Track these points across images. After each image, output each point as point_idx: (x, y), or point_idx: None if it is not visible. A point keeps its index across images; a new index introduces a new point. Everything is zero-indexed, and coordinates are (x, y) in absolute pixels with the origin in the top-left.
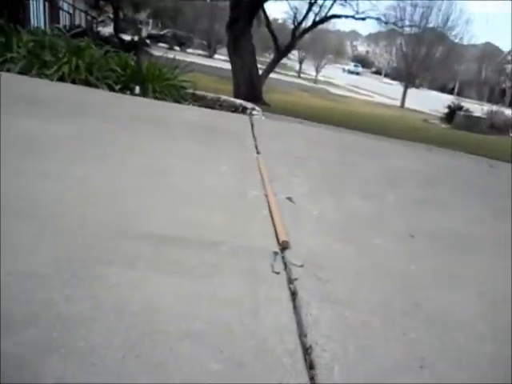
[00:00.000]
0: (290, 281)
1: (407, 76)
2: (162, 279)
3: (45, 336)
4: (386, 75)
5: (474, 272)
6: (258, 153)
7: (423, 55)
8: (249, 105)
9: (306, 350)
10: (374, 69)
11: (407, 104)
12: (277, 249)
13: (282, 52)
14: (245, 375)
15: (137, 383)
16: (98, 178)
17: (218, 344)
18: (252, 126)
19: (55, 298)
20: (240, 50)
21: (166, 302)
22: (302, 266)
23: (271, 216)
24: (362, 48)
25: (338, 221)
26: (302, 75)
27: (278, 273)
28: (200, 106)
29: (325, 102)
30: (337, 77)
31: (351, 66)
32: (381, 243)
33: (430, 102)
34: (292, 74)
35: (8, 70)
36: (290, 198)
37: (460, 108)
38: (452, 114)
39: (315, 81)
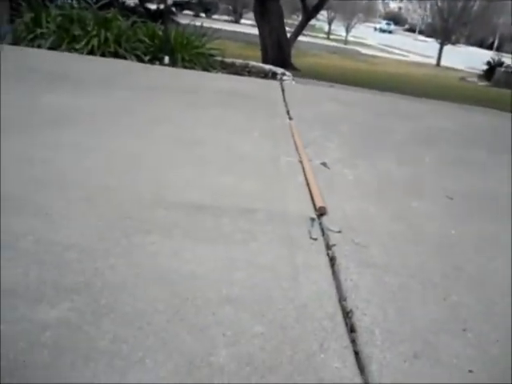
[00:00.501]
0: (328, 247)
1: (443, 32)
2: (199, 247)
3: (95, 302)
4: (421, 32)
5: None
6: (290, 118)
7: (460, 9)
8: (278, 70)
9: (347, 314)
10: (407, 26)
11: (443, 62)
12: (313, 215)
13: (310, 13)
14: (287, 338)
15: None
16: (131, 149)
17: (258, 309)
18: (283, 91)
19: (100, 267)
20: (267, 14)
21: (205, 268)
22: (339, 231)
23: (307, 182)
24: (393, 4)
25: (373, 185)
26: (331, 36)
27: (315, 239)
28: (229, 73)
29: (356, 64)
30: (368, 36)
31: (383, 25)
32: (418, 206)
33: (468, 59)
34: (321, 35)
35: (39, 46)
36: (324, 164)
37: (500, 64)
38: (491, 70)
39: (345, 41)
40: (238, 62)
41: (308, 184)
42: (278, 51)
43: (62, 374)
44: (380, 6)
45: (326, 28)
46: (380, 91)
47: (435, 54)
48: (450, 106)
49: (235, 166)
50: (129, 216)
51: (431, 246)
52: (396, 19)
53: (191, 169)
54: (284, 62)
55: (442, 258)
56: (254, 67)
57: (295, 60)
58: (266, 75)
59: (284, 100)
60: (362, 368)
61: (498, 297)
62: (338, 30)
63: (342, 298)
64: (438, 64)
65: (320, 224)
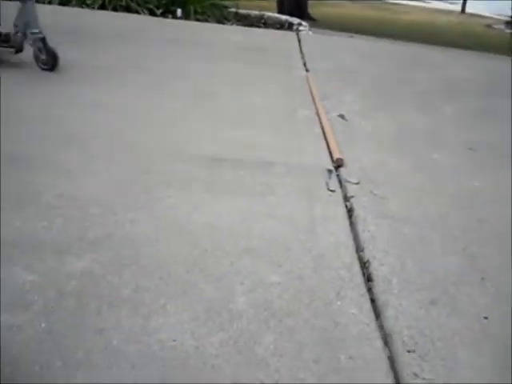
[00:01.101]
0: (346, 198)
1: None
2: (218, 200)
3: (116, 254)
4: None
5: None
6: (306, 70)
7: None
8: (295, 20)
9: (364, 264)
10: None
11: (469, 9)
12: (331, 167)
13: None
14: (304, 287)
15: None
16: (147, 104)
17: (276, 259)
18: (299, 42)
19: (121, 221)
20: None
21: (224, 221)
22: (357, 183)
23: (324, 134)
24: None
25: (393, 137)
26: None
27: (333, 191)
28: (244, 25)
29: (377, 13)
30: None
31: None
32: (439, 158)
33: (495, 5)
34: None
35: (49, 2)
36: (342, 116)
37: None
38: None
39: None
40: (253, 13)
41: (325, 136)
42: (294, 0)
43: (87, 320)
44: None
45: None
46: (401, 41)
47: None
48: (475, 55)
49: (252, 119)
50: (148, 170)
51: (452, 197)
52: None
53: (208, 123)
54: (301, 11)
55: (463, 209)
56: (270, 18)
57: (312, 10)
58: (282, 26)
59: (301, 51)
60: (377, 314)
61: None
62: None
63: (359, 249)
64: (462, 11)
65: (338, 176)
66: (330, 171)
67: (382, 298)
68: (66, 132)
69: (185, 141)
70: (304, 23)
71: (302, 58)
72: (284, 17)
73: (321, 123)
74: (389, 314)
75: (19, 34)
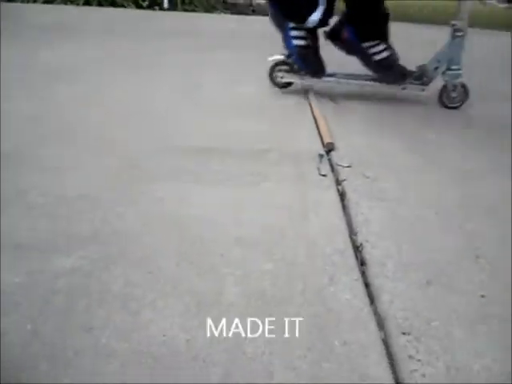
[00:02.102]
0: (338, 182)
1: None
2: (207, 191)
3: (105, 251)
4: None
5: None
6: None
7: None
8: None
9: (357, 248)
10: None
11: None
12: (322, 151)
13: None
14: (296, 273)
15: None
16: (135, 98)
17: (268, 248)
18: None
19: (109, 216)
20: None
21: (213, 212)
22: (349, 166)
23: (314, 119)
24: None
25: (385, 118)
26: None
27: (324, 175)
28: (232, 13)
29: None
30: None
31: None
32: (434, 137)
33: None
34: None
35: (34, 1)
36: (332, 99)
37: None
38: None
39: None
40: (241, 0)
41: (316, 121)
42: None
43: (76, 319)
44: None
45: None
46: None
47: None
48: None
49: (241, 107)
50: (134, 164)
51: (447, 175)
52: None
53: (197, 113)
54: None
55: (458, 187)
56: (259, 5)
57: None
58: None
59: None
60: (372, 298)
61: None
62: None
63: (352, 233)
64: None
65: (329, 160)
66: (321, 156)
67: (376, 282)
68: (51, 130)
69: (173, 133)
70: None
71: None
72: None
73: (311, 108)
74: (384, 297)
75: (437, 70)
